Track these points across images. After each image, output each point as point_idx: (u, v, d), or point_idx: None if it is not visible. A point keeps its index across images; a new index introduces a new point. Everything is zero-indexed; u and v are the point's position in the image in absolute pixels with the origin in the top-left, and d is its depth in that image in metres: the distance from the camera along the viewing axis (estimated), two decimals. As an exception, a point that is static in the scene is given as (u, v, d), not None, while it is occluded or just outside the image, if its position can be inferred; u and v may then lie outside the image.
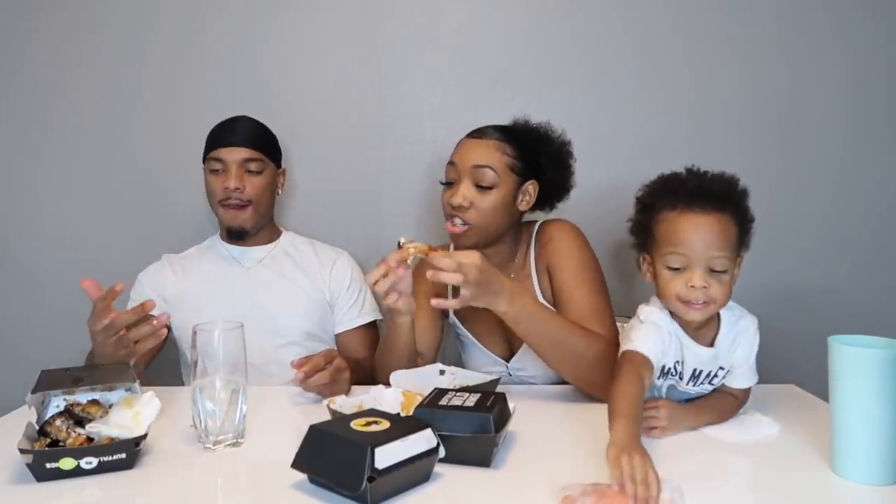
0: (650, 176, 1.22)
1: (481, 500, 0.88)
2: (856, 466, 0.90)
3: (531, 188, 1.39)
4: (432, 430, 0.89)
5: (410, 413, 0.99)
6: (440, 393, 1.02)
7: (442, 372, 1.29)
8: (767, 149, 1.85)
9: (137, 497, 0.89)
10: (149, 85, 1.88)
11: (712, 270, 1.04)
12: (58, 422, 0.98)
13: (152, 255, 1.65)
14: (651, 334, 1.07)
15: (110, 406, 1.03)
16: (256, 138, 1.58)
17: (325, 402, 1.11)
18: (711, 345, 1.12)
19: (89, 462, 0.91)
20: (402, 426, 0.88)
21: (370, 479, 0.80)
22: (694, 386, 1.14)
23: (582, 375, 1.23)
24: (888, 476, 0.88)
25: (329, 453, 0.85)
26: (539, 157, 1.39)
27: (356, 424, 0.88)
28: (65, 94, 1.88)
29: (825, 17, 1.84)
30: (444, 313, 1.50)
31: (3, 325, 1.92)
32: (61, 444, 0.96)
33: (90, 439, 0.96)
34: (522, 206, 1.40)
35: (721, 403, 1.15)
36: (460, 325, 1.49)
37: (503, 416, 0.98)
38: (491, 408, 0.95)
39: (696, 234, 1.04)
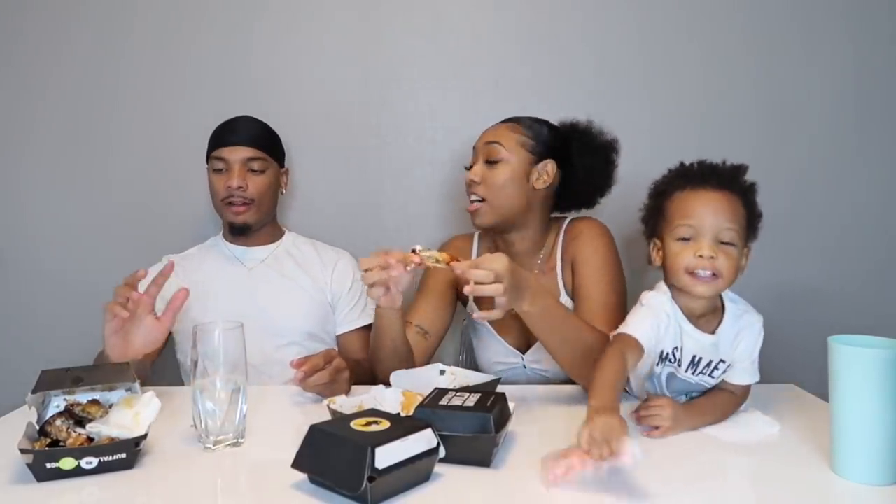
0: (651, 176, 1.22)
1: (481, 500, 0.88)
2: (856, 466, 0.90)
3: (550, 167, 1.41)
4: (432, 430, 0.89)
5: (410, 413, 0.99)
6: (440, 393, 1.02)
7: (442, 372, 1.29)
8: (767, 149, 1.85)
9: (137, 497, 0.89)
10: (149, 85, 1.88)
11: (721, 243, 1.07)
12: (58, 422, 0.98)
13: (153, 255, 1.65)
14: (647, 318, 1.09)
15: (110, 406, 1.03)
16: (259, 137, 1.58)
17: (325, 402, 1.11)
18: (713, 333, 1.13)
19: (89, 462, 0.91)
20: (402, 426, 0.88)
21: (370, 479, 0.80)
22: (693, 374, 1.14)
23: (588, 374, 1.22)
24: (888, 476, 0.88)
25: (329, 453, 0.85)
26: (568, 144, 1.43)
27: (356, 424, 0.88)
28: (65, 93, 1.88)
29: (826, 16, 1.84)
30: (460, 298, 1.51)
31: (3, 325, 1.92)
32: (61, 444, 0.96)
33: (90, 439, 0.96)
34: (539, 185, 1.41)
35: (721, 402, 1.15)
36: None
37: (503, 416, 0.98)
38: (491, 408, 0.95)
39: (705, 207, 1.08)
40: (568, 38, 1.86)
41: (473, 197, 1.41)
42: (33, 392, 0.99)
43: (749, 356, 1.14)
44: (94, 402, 1.03)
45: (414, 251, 1.18)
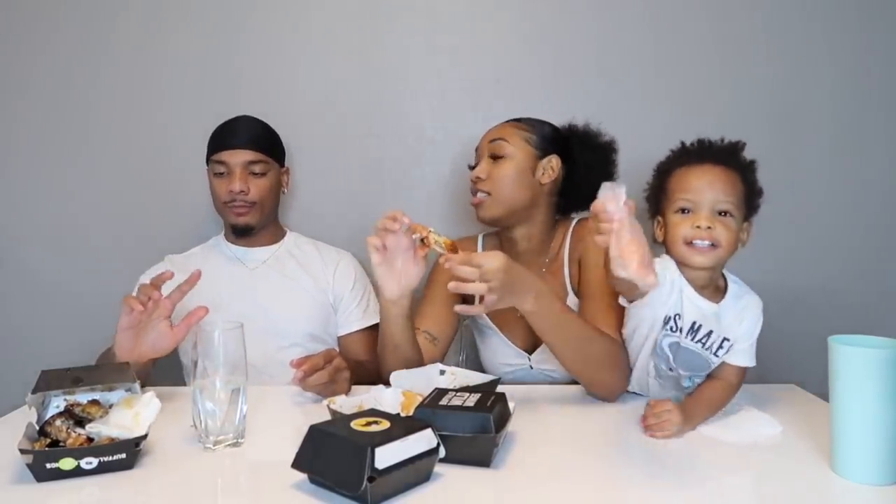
0: (649, 174, 1.22)
1: (481, 500, 0.88)
2: (856, 466, 0.90)
3: (555, 162, 1.42)
4: (432, 430, 0.89)
5: (410, 413, 0.99)
6: (440, 393, 1.02)
7: (442, 372, 1.29)
8: (766, 149, 1.83)
9: (137, 497, 0.89)
10: (149, 84, 1.88)
11: (718, 214, 1.12)
12: (58, 422, 0.97)
13: (154, 255, 1.65)
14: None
15: (110, 406, 1.03)
16: (259, 139, 1.58)
17: (325, 402, 1.11)
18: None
19: (89, 462, 0.91)
20: (402, 426, 0.88)
21: (370, 479, 0.80)
22: (693, 340, 1.15)
23: (590, 374, 1.24)
24: (888, 476, 0.88)
25: (329, 453, 0.85)
26: (558, 137, 1.44)
27: (356, 424, 0.88)
28: (65, 93, 1.88)
29: (821, 15, 1.84)
30: (465, 300, 1.50)
31: (3, 325, 1.92)
32: (61, 444, 0.95)
33: (90, 439, 0.96)
34: (545, 180, 1.42)
35: (720, 392, 1.16)
36: (483, 316, 1.49)
37: (503, 416, 0.98)
38: (491, 408, 0.94)
39: (703, 180, 1.13)
40: (569, 36, 1.86)
41: (479, 194, 1.42)
42: (33, 392, 0.99)
43: (749, 337, 1.17)
44: (94, 402, 1.03)
45: (425, 239, 1.20)
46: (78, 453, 0.91)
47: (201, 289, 1.53)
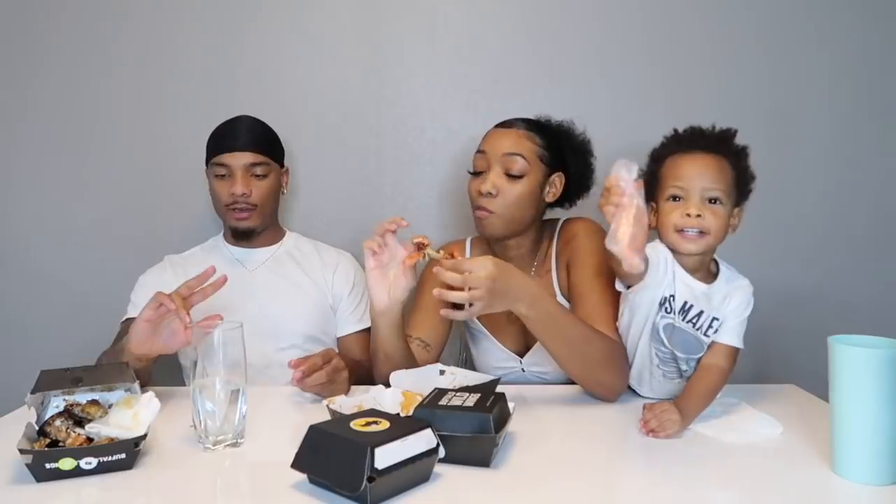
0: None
1: (481, 500, 0.88)
2: (856, 466, 0.90)
3: (558, 180, 1.41)
4: (432, 430, 0.89)
5: (410, 413, 0.99)
6: (440, 393, 1.01)
7: (442, 372, 1.29)
8: (766, 149, 1.84)
9: (137, 497, 0.89)
10: (149, 84, 1.88)
11: (708, 201, 1.15)
12: (57, 422, 0.97)
13: (154, 255, 1.65)
14: (648, 248, 1.16)
15: (110, 406, 1.03)
16: (260, 141, 1.57)
17: (325, 402, 1.11)
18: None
19: (89, 462, 0.91)
20: (402, 426, 0.88)
21: (370, 479, 0.80)
22: (684, 321, 1.18)
23: (589, 375, 1.24)
24: (888, 476, 0.88)
25: (329, 453, 0.85)
26: (563, 151, 1.41)
27: (356, 424, 0.88)
28: (65, 93, 1.88)
29: (817, 15, 1.84)
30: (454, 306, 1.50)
31: (2, 325, 1.92)
32: (61, 444, 0.95)
33: (90, 439, 0.96)
34: (549, 198, 1.41)
35: (711, 381, 1.17)
36: (474, 320, 1.49)
37: (503, 416, 0.98)
38: (491, 408, 0.94)
39: (693, 169, 1.17)
40: (568, 37, 1.86)
41: (486, 211, 1.36)
42: (33, 392, 1.00)
43: (738, 315, 1.19)
44: (94, 402, 1.03)
45: (422, 244, 1.20)
46: (77, 453, 0.91)
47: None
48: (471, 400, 0.97)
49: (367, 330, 1.61)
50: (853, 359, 0.89)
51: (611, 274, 1.36)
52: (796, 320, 1.83)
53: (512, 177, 1.35)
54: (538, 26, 1.86)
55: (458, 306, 1.13)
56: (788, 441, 1.06)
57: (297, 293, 1.58)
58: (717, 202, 1.16)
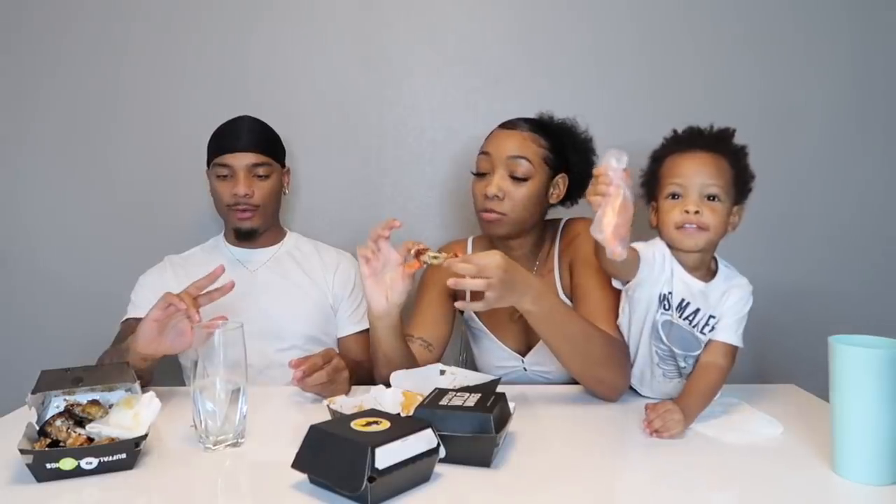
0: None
1: (481, 500, 0.88)
2: (856, 466, 0.90)
3: (562, 181, 1.41)
4: (432, 430, 0.89)
5: (410, 413, 0.99)
6: (440, 393, 1.02)
7: (442, 372, 1.29)
8: (766, 149, 1.83)
9: (137, 497, 0.89)
10: (150, 84, 1.88)
11: (706, 198, 1.17)
12: (58, 422, 0.98)
13: (155, 255, 1.65)
14: (643, 245, 1.20)
15: (110, 406, 1.03)
16: (262, 141, 1.57)
17: (325, 402, 1.11)
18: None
19: (89, 462, 0.91)
20: (402, 426, 0.88)
21: (370, 480, 0.80)
22: (681, 318, 1.19)
23: (591, 373, 1.24)
24: (889, 476, 0.88)
25: (329, 453, 0.85)
26: (566, 150, 1.41)
27: (356, 424, 0.88)
28: (65, 93, 1.88)
29: (825, 16, 1.84)
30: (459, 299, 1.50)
31: (3, 325, 1.92)
32: (61, 444, 0.95)
33: (90, 439, 0.96)
34: (553, 199, 1.42)
35: (710, 380, 1.17)
36: (475, 319, 1.49)
37: (503, 416, 0.98)
38: (491, 408, 0.94)
39: (692, 167, 1.18)
40: (568, 37, 1.86)
41: (494, 213, 1.35)
42: (33, 392, 0.99)
43: (736, 313, 1.20)
44: (94, 402, 1.03)
45: (420, 251, 1.19)
46: (78, 453, 0.91)
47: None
48: (471, 400, 0.97)
49: (368, 330, 1.61)
50: (853, 359, 0.89)
51: None
52: (796, 320, 1.83)
53: (517, 179, 1.35)
54: (538, 26, 1.86)
55: (472, 296, 1.12)
56: (788, 441, 1.06)
57: (298, 294, 1.58)
58: (716, 199, 1.17)
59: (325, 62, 1.88)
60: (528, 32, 1.87)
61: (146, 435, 0.95)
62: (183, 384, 1.53)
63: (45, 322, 1.90)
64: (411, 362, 1.33)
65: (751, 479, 0.93)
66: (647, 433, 1.07)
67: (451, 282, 1.10)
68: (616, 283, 1.24)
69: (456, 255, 1.17)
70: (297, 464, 0.87)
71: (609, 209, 1.04)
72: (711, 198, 1.17)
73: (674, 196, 1.19)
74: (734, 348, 1.20)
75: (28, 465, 0.90)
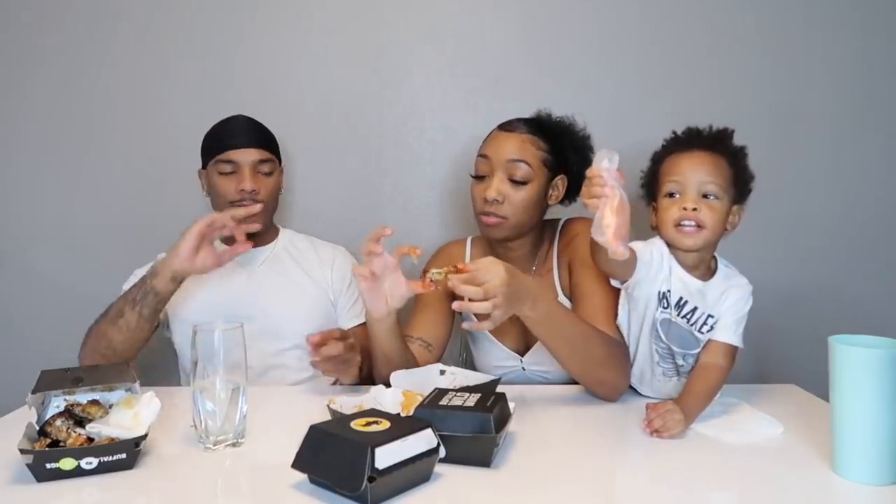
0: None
1: (481, 500, 0.88)
2: (857, 466, 0.90)
3: (561, 183, 1.41)
4: (432, 430, 0.89)
5: (410, 413, 0.99)
6: (440, 393, 1.02)
7: (442, 372, 1.29)
8: (766, 148, 1.84)
9: (137, 497, 0.89)
10: (147, 84, 1.88)
11: (704, 196, 1.18)
12: (58, 422, 0.97)
13: (150, 255, 1.64)
14: (641, 244, 1.20)
15: (110, 406, 1.03)
16: (265, 139, 1.57)
17: (326, 402, 1.11)
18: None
19: (89, 462, 0.91)
20: (402, 426, 0.88)
21: (370, 479, 0.80)
22: (679, 316, 1.20)
23: (591, 374, 1.24)
24: (889, 476, 0.88)
25: (329, 453, 0.85)
26: (565, 150, 1.41)
27: (356, 424, 0.88)
28: (64, 93, 1.88)
29: (821, 14, 1.84)
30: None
31: (3, 325, 1.92)
32: (61, 444, 0.95)
33: (90, 439, 0.96)
34: (552, 201, 1.42)
35: (710, 379, 1.17)
36: (474, 319, 1.49)
37: (503, 416, 0.98)
38: (491, 408, 0.94)
39: (689, 165, 1.19)
40: (569, 36, 1.86)
41: (494, 217, 1.35)
42: (33, 392, 0.99)
43: (735, 313, 1.20)
44: (94, 402, 1.03)
45: (425, 272, 1.16)
46: (78, 453, 0.91)
47: (198, 292, 1.53)
48: (471, 400, 0.97)
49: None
50: (853, 359, 0.89)
51: None
52: (796, 320, 1.83)
53: (516, 182, 1.35)
54: (538, 26, 1.86)
55: (479, 316, 1.12)
56: (789, 441, 1.06)
57: (298, 291, 1.57)
58: (714, 197, 1.18)
59: (325, 62, 1.87)
60: (528, 32, 1.87)
61: (146, 435, 0.95)
62: (178, 384, 1.54)
63: (45, 322, 1.90)
64: (410, 361, 1.33)
65: (751, 479, 0.93)
66: (648, 432, 1.07)
67: (455, 305, 1.08)
68: (615, 282, 1.24)
69: (455, 268, 1.13)
70: (297, 464, 0.87)
71: (608, 210, 1.04)
72: (709, 196, 1.18)
73: (672, 195, 1.20)
74: (734, 348, 1.20)
75: (28, 465, 0.90)
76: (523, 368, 1.44)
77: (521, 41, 1.87)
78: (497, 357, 1.47)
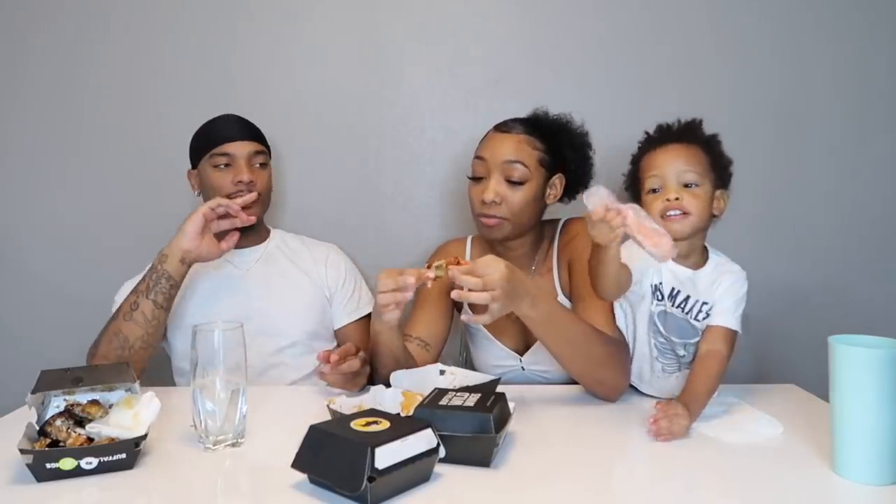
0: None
1: (481, 500, 0.88)
2: (857, 466, 0.90)
3: (558, 182, 1.41)
4: (432, 430, 0.89)
5: (410, 413, 0.99)
6: (440, 393, 1.02)
7: (442, 372, 1.29)
8: (766, 148, 1.85)
9: (137, 497, 0.89)
10: (144, 84, 1.87)
11: (684, 185, 1.20)
12: (58, 422, 0.97)
13: (148, 255, 1.64)
14: (631, 246, 1.17)
15: (110, 406, 1.03)
16: (257, 133, 1.57)
17: (326, 402, 1.11)
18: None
19: (89, 462, 0.91)
20: (402, 426, 0.88)
21: (370, 479, 0.80)
22: (674, 306, 1.21)
23: (591, 373, 1.24)
24: (889, 476, 0.88)
25: (329, 453, 0.85)
26: (563, 148, 1.41)
27: (356, 424, 0.88)
28: (62, 94, 1.88)
29: (824, 14, 1.84)
30: (454, 305, 1.50)
31: (3, 325, 1.92)
32: (61, 444, 0.95)
33: (90, 439, 0.96)
34: (550, 200, 1.42)
35: (711, 370, 1.17)
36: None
37: (503, 416, 0.98)
38: (491, 408, 0.94)
39: (667, 158, 1.22)
40: (569, 36, 1.86)
41: (493, 218, 1.36)
42: (33, 392, 0.99)
43: (731, 296, 1.21)
44: (94, 402, 1.03)
45: (428, 268, 1.17)
46: (78, 453, 0.91)
47: (195, 295, 1.52)
48: (471, 400, 0.97)
49: (363, 318, 1.61)
50: (853, 359, 0.89)
51: None
52: (797, 320, 1.83)
53: (513, 183, 1.35)
54: (538, 26, 1.86)
55: (476, 309, 1.12)
56: (789, 441, 1.06)
57: (294, 290, 1.57)
58: (694, 185, 1.20)
59: (324, 62, 1.87)
60: (528, 32, 1.87)
61: (146, 435, 0.96)
62: (173, 384, 1.53)
63: (44, 322, 1.90)
64: (410, 362, 1.33)
65: (751, 478, 0.93)
66: (651, 430, 1.06)
67: (454, 294, 1.09)
68: None
69: (456, 260, 1.15)
70: (297, 464, 0.87)
71: (639, 237, 1.06)
72: (690, 185, 1.20)
73: (654, 190, 1.21)
74: (733, 333, 1.20)
75: (28, 465, 0.90)
76: (522, 368, 1.44)
77: (521, 41, 1.87)
78: (496, 356, 1.47)
